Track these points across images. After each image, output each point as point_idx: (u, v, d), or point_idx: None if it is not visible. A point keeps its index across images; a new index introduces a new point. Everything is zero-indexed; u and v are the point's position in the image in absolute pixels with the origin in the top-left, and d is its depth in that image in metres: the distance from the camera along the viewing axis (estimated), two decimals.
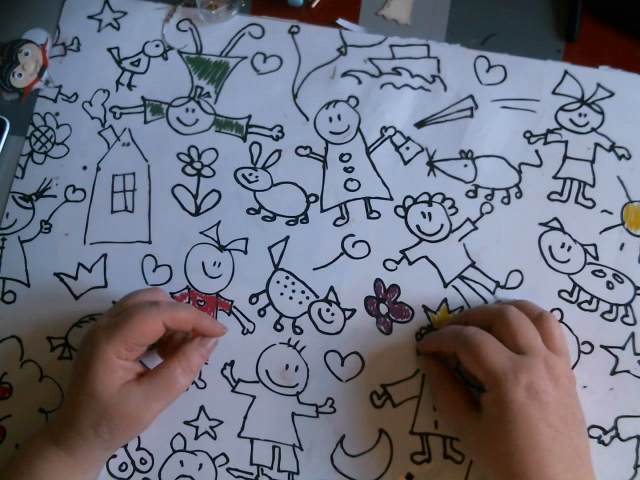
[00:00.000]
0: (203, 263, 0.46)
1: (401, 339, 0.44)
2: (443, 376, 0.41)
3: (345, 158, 0.47)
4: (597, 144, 0.46)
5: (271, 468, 0.43)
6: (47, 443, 0.38)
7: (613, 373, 0.42)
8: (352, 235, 0.46)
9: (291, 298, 0.45)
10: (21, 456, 0.39)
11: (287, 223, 0.46)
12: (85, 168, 0.49)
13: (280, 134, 0.48)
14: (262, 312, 0.45)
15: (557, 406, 0.36)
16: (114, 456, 0.43)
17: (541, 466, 0.34)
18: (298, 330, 0.44)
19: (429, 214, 0.46)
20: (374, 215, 0.46)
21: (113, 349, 0.38)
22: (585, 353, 0.43)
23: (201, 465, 0.43)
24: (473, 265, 0.45)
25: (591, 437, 0.42)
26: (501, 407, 0.35)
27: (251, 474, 0.43)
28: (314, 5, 0.50)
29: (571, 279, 0.44)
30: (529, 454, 0.34)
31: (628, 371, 0.43)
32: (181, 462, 0.43)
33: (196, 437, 0.43)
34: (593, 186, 0.46)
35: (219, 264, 0.46)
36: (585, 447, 0.36)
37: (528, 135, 0.47)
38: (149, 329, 0.38)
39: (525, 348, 0.37)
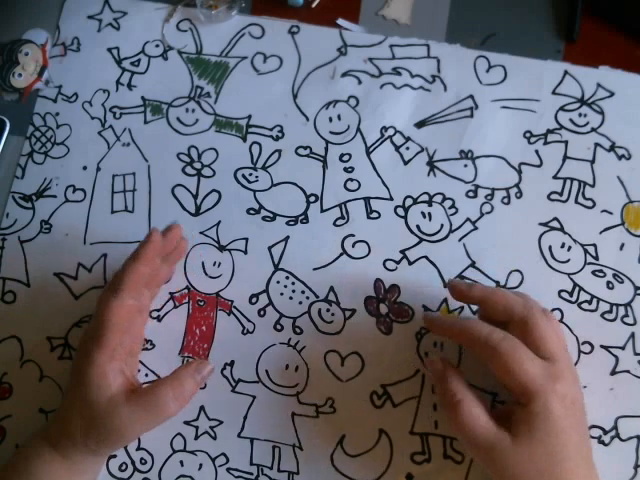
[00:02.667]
0: (203, 263, 0.46)
1: (401, 339, 0.44)
2: (462, 386, 0.37)
3: (345, 158, 0.47)
4: (597, 144, 0.46)
5: (271, 468, 0.43)
6: (44, 445, 0.38)
7: (613, 373, 0.42)
8: (352, 235, 0.46)
9: (291, 298, 0.45)
10: (19, 457, 0.39)
11: (287, 223, 0.46)
12: (85, 168, 0.49)
13: (280, 134, 0.48)
14: (262, 312, 0.45)
15: (583, 413, 0.36)
16: (114, 456, 0.43)
17: (572, 476, 0.34)
18: (298, 330, 0.44)
19: (429, 214, 0.46)
20: (374, 215, 0.46)
21: (102, 353, 0.37)
22: (585, 353, 0.43)
23: (201, 465, 0.43)
24: (473, 265, 0.45)
25: (591, 437, 0.41)
26: (541, 420, 0.34)
27: (251, 474, 0.43)
28: (314, 5, 0.50)
29: (571, 279, 0.44)
30: (563, 466, 0.34)
31: (628, 371, 0.43)
32: (181, 462, 0.43)
33: (196, 437, 0.43)
34: (593, 186, 0.46)
35: (219, 264, 0.46)
36: (591, 449, 0.36)
37: (528, 135, 0.47)
38: (118, 318, 0.37)
39: (551, 354, 0.36)
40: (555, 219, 0.45)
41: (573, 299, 0.44)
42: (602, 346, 0.43)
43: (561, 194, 0.46)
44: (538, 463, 0.34)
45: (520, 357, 0.35)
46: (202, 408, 0.44)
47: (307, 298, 0.45)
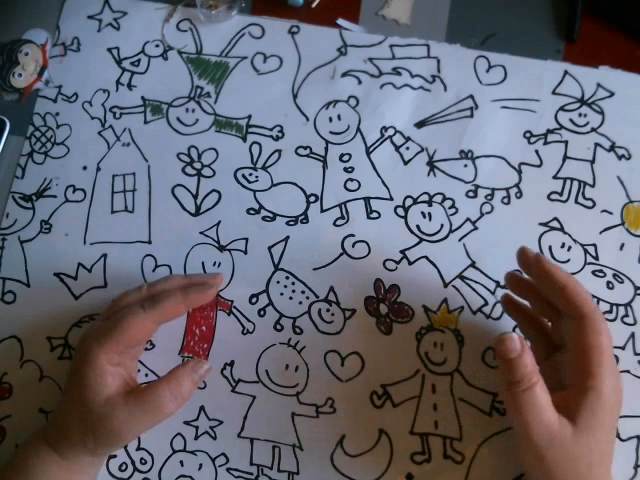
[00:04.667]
0: (203, 263, 0.46)
1: (401, 339, 0.44)
2: (536, 368, 0.34)
3: (345, 158, 0.47)
4: (597, 144, 0.46)
5: (271, 468, 0.43)
6: (42, 445, 0.38)
7: None
8: (352, 235, 0.46)
9: (291, 298, 0.45)
10: (18, 456, 0.39)
11: (287, 223, 0.46)
12: (85, 168, 0.49)
13: (280, 134, 0.48)
14: (262, 312, 0.45)
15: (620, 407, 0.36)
16: (114, 456, 0.43)
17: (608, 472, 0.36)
18: (298, 330, 0.44)
19: (429, 214, 0.46)
20: (374, 215, 0.46)
21: (104, 355, 0.37)
22: None
23: (201, 465, 0.43)
24: (473, 265, 0.45)
25: None
26: (599, 409, 0.34)
27: (251, 474, 0.43)
28: (314, 5, 0.50)
29: None
30: (608, 463, 0.36)
31: (628, 371, 0.43)
32: (181, 462, 0.43)
33: (196, 437, 0.43)
34: (593, 186, 0.46)
35: (219, 264, 0.46)
36: None
37: (528, 135, 0.47)
38: (137, 332, 0.38)
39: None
40: (555, 219, 0.45)
41: None
42: None
43: (561, 194, 0.46)
44: (593, 453, 0.34)
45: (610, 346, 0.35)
46: (202, 408, 0.44)
47: (307, 298, 0.45)
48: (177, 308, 0.39)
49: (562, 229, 0.45)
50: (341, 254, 0.46)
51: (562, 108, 0.47)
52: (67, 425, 0.38)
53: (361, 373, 0.43)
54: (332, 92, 0.49)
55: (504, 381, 0.35)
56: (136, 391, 0.38)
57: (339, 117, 0.48)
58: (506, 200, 0.46)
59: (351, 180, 0.47)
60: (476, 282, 0.44)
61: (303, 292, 0.45)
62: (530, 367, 0.33)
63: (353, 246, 0.46)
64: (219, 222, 0.47)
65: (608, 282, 0.44)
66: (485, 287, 0.44)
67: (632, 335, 0.43)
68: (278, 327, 0.45)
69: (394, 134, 0.48)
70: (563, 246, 0.45)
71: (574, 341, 0.35)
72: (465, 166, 0.47)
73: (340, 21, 0.50)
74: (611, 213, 0.45)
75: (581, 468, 0.34)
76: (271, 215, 0.47)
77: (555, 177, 0.46)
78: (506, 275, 0.41)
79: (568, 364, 0.36)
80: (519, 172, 0.46)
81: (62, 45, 0.51)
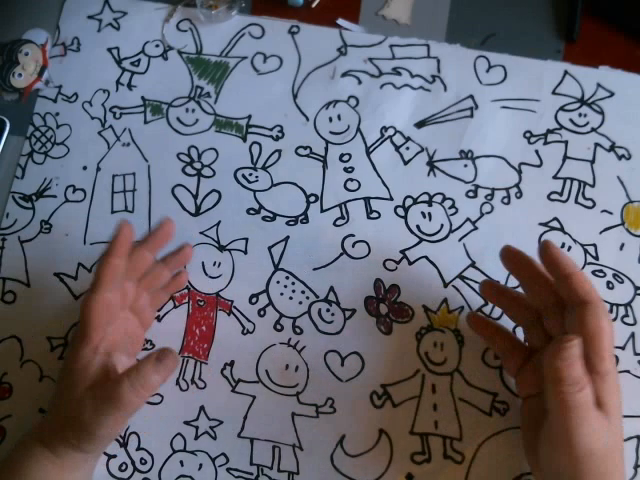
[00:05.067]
0: (203, 263, 0.46)
1: (401, 339, 0.44)
2: (583, 372, 0.34)
3: (345, 158, 0.47)
4: (597, 144, 0.46)
5: (271, 468, 0.43)
6: (35, 442, 0.39)
7: None
8: (352, 235, 0.46)
9: (291, 298, 0.45)
10: (12, 454, 0.39)
11: (287, 223, 0.46)
12: (85, 168, 0.49)
13: (280, 134, 0.48)
14: (262, 312, 0.45)
15: None
16: (114, 456, 0.43)
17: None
18: (298, 330, 0.44)
19: (429, 214, 0.46)
20: (374, 215, 0.46)
21: (84, 347, 0.37)
22: None
23: (201, 465, 0.43)
24: (473, 265, 0.45)
25: None
26: (618, 397, 0.35)
27: (251, 474, 0.43)
28: (314, 5, 0.50)
29: None
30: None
31: (628, 371, 0.43)
32: (181, 462, 0.43)
33: (196, 437, 0.43)
34: (593, 186, 0.46)
35: (219, 264, 0.46)
36: None
37: (528, 135, 0.47)
38: (95, 312, 0.37)
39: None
40: (555, 219, 0.45)
41: None
42: None
43: (561, 194, 0.46)
44: (619, 438, 0.35)
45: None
46: (202, 408, 0.44)
47: (307, 298, 0.45)
48: (111, 263, 0.38)
49: (562, 229, 0.45)
50: (341, 254, 0.46)
51: (562, 108, 0.47)
52: (53, 421, 0.38)
53: (361, 373, 0.43)
54: (332, 92, 0.49)
55: (554, 385, 0.33)
56: (104, 384, 0.37)
57: (339, 117, 0.48)
58: (506, 200, 0.46)
59: (351, 180, 0.47)
60: (476, 282, 0.44)
61: (303, 292, 0.45)
62: (582, 368, 0.33)
63: (353, 246, 0.46)
64: (219, 222, 0.47)
65: (608, 282, 0.44)
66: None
67: (632, 335, 0.43)
68: (278, 327, 0.45)
69: (394, 134, 0.48)
70: (563, 246, 0.45)
71: (580, 328, 0.35)
72: (465, 166, 0.47)
73: (340, 21, 0.50)
74: (611, 213, 0.45)
75: (617, 458, 0.35)
76: (271, 215, 0.47)
77: (555, 177, 0.46)
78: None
79: None
80: (519, 172, 0.46)
81: (62, 45, 0.51)
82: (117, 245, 0.39)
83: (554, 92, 0.47)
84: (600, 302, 0.35)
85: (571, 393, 0.33)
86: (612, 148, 0.46)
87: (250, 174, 0.48)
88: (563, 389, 0.32)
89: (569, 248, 0.45)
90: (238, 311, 0.45)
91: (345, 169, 0.47)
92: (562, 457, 0.34)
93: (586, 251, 0.45)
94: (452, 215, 0.46)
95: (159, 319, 0.45)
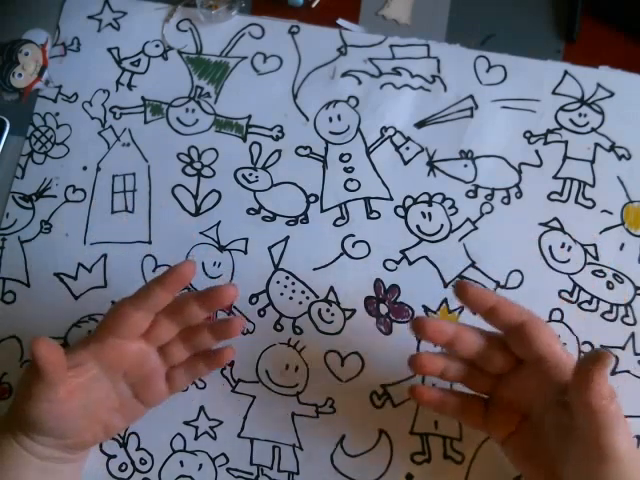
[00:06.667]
0: (203, 263, 0.46)
1: (401, 339, 0.44)
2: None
3: (345, 158, 0.47)
4: (597, 144, 0.46)
5: (271, 468, 0.43)
6: (5, 433, 0.37)
7: (613, 373, 0.42)
8: (352, 235, 0.46)
9: (291, 298, 0.45)
10: None
11: (287, 223, 0.46)
12: (85, 168, 0.49)
13: (280, 134, 0.48)
14: (262, 312, 0.45)
15: None
16: (114, 456, 0.43)
17: None
18: (298, 330, 0.44)
19: (429, 214, 0.46)
20: (374, 215, 0.46)
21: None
22: (585, 353, 0.43)
23: (201, 465, 0.43)
24: (473, 265, 0.45)
25: None
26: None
27: (251, 474, 0.43)
28: (314, 5, 0.50)
29: (571, 279, 0.44)
30: None
31: (628, 371, 0.43)
32: (181, 462, 0.43)
33: (196, 437, 0.43)
34: (593, 186, 0.46)
35: (219, 264, 0.46)
36: None
37: (528, 135, 0.47)
38: (123, 317, 0.37)
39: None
40: (555, 219, 0.45)
41: (573, 299, 0.44)
42: (602, 346, 0.43)
43: (561, 194, 0.46)
44: None
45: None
46: (202, 408, 0.44)
47: (307, 298, 0.45)
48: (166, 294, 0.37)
49: (562, 229, 0.45)
50: (341, 254, 0.46)
51: (562, 108, 0.47)
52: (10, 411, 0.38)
53: (361, 373, 0.44)
54: (332, 92, 0.49)
55: (595, 399, 0.33)
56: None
57: (339, 117, 0.48)
58: (506, 200, 0.46)
59: (351, 180, 0.47)
60: (476, 282, 0.44)
61: (303, 292, 0.45)
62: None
63: (353, 246, 0.46)
64: (219, 222, 0.47)
65: (608, 282, 0.44)
66: (485, 287, 0.44)
67: (632, 335, 0.43)
68: (278, 327, 0.45)
69: (394, 134, 0.48)
70: (563, 246, 0.45)
71: (533, 346, 0.35)
72: (465, 166, 0.47)
73: (340, 21, 0.50)
74: (611, 213, 0.45)
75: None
76: (271, 215, 0.47)
77: (555, 177, 0.46)
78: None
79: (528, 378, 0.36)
80: (519, 172, 0.46)
81: (62, 45, 0.51)
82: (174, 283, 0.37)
83: (554, 92, 0.47)
84: (534, 315, 0.36)
85: (607, 405, 0.33)
86: (612, 148, 0.46)
87: (250, 174, 0.48)
88: (604, 402, 0.33)
89: (569, 248, 0.45)
90: (238, 311, 0.45)
91: (345, 169, 0.47)
92: (599, 466, 0.34)
93: (586, 251, 0.45)
94: (452, 215, 0.46)
95: None
